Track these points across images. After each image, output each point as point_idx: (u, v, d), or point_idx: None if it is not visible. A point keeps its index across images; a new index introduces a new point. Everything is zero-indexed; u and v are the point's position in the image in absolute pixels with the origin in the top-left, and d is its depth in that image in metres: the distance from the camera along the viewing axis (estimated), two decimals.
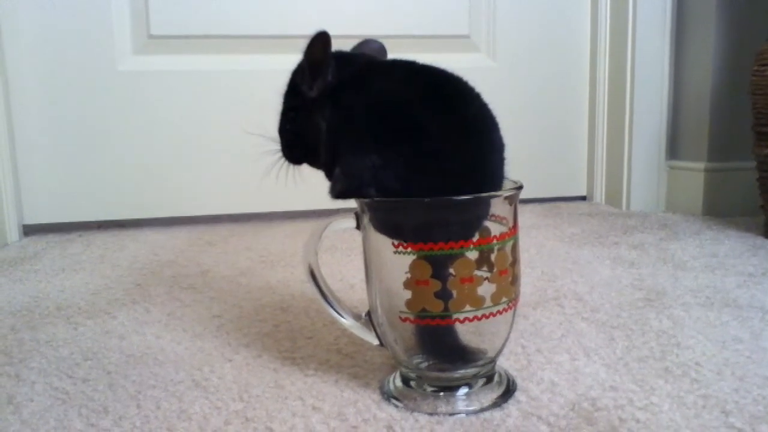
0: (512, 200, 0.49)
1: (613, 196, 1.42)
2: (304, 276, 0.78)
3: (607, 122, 1.43)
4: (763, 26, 1.12)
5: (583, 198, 1.51)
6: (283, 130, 0.57)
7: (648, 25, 1.33)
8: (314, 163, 0.56)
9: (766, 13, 1.15)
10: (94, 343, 0.65)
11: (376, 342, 0.54)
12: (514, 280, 0.50)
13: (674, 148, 1.36)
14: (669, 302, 0.73)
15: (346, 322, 0.54)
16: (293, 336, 0.66)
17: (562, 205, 1.44)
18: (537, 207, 1.39)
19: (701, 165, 1.28)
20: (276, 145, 0.58)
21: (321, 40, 0.52)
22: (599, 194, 1.46)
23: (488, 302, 0.47)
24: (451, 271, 0.47)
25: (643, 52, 1.33)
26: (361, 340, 0.55)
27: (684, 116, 1.34)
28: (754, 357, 0.57)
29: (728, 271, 0.85)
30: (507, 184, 0.51)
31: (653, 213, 1.32)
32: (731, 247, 0.99)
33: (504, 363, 0.56)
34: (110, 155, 1.28)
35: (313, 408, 0.50)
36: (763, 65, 1.04)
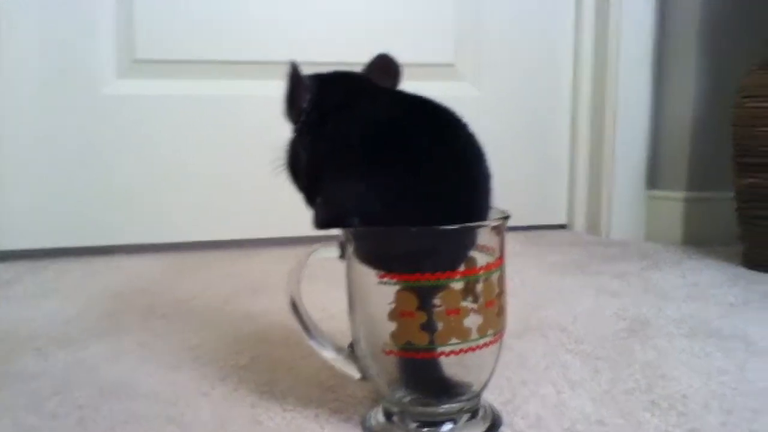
0: (499, 230, 0.49)
1: (594, 225, 1.42)
2: (285, 306, 0.76)
3: (588, 152, 1.44)
4: (744, 60, 1.13)
5: (563, 226, 1.51)
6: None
7: (630, 56, 1.34)
8: (296, 186, 0.55)
9: (747, 47, 1.17)
10: (65, 376, 0.63)
11: (358, 375, 0.52)
12: (501, 312, 0.49)
13: (654, 177, 1.37)
14: (653, 333, 0.72)
15: (329, 355, 0.53)
16: (272, 368, 0.64)
17: (543, 233, 1.43)
18: (518, 235, 1.39)
19: (681, 195, 1.29)
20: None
21: (291, 70, 0.51)
22: (579, 223, 1.47)
23: (474, 334, 0.46)
24: (436, 302, 0.46)
25: (624, 82, 1.35)
26: (342, 372, 0.53)
27: (664, 146, 1.35)
28: (740, 389, 0.56)
29: (710, 301, 0.85)
30: (494, 214, 0.50)
31: (634, 242, 1.33)
32: (712, 276, 1.00)
33: (489, 396, 0.55)
34: (87, 180, 1.25)
35: None
36: (745, 97, 1.06)
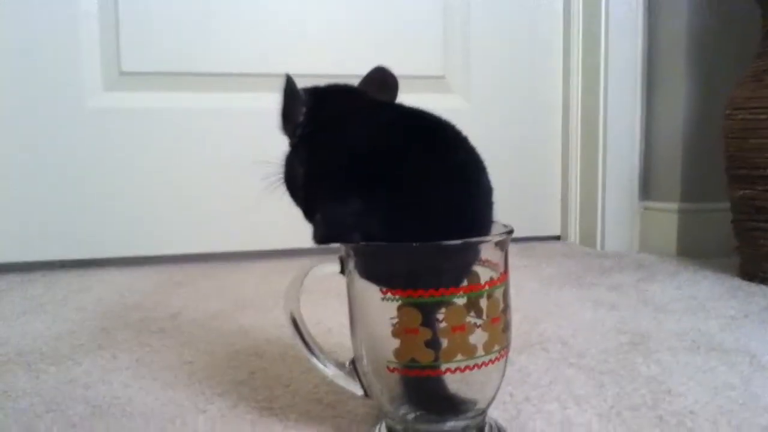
0: (503, 245, 0.48)
1: (588, 237, 1.42)
2: (278, 321, 0.75)
3: (581, 163, 1.44)
4: (734, 71, 1.14)
5: (557, 238, 1.50)
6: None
7: (620, 68, 1.34)
8: (294, 200, 0.54)
9: (737, 59, 1.17)
10: (57, 393, 0.61)
11: (360, 392, 0.51)
12: (506, 328, 0.48)
13: (648, 189, 1.37)
14: (655, 346, 0.72)
15: (330, 372, 0.52)
16: (270, 384, 0.63)
17: (537, 245, 1.43)
18: (512, 247, 1.38)
19: (675, 206, 1.29)
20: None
21: (286, 82, 0.51)
22: (573, 234, 1.46)
23: (480, 351, 0.45)
24: (439, 318, 0.45)
25: (614, 93, 1.35)
26: (343, 389, 0.52)
27: (657, 157, 1.35)
28: (748, 404, 0.55)
29: (709, 314, 0.85)
30: (497, 228, 0.49)
31: (628, 253, 1.32)
32: (709, 288, 0.99)
33: (493, 412, 0.54)
34: (76, 192, 1.23)
35: None
36: (735, 109, 1.06)
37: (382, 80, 0.57)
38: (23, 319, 0.88)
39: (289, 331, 0.52)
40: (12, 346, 0.76)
